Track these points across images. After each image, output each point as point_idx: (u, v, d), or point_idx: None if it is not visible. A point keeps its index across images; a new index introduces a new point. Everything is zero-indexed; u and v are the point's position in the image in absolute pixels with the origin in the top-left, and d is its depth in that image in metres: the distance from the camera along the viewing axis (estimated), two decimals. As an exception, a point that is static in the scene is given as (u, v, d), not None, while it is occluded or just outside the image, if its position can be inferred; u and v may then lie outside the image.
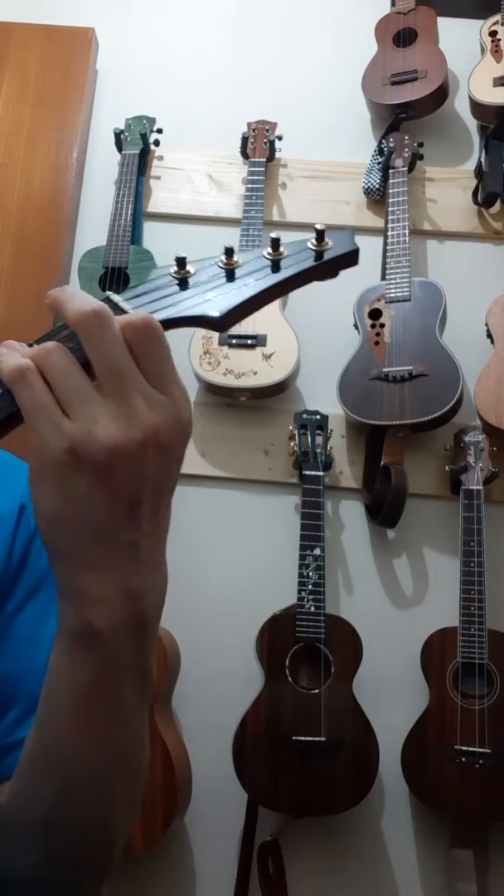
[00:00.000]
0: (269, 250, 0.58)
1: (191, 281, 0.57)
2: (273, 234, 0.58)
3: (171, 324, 0.55)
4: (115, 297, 0.55)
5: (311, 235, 0.58)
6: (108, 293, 0.55)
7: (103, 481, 0.48)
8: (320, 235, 0.58)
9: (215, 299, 0.56)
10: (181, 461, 0.53)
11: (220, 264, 0.58)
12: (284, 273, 0.57)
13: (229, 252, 0.58)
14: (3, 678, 0.69)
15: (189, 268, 0.57)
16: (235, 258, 0.58)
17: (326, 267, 0.58)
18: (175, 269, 0.57)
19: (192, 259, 0.58)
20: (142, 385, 0.50)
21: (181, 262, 0.57)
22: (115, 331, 0.49)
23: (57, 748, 0.53)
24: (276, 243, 0.58)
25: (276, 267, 0.58)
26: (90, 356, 0.49)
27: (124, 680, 0.53)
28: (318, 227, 0.58)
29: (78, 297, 0.50)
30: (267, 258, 0.58)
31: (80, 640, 0.51)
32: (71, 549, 0.50)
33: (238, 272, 0.57)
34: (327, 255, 0.58)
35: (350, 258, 0.59)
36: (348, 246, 0.58)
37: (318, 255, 0.58)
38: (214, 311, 0.55)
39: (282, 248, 0.58)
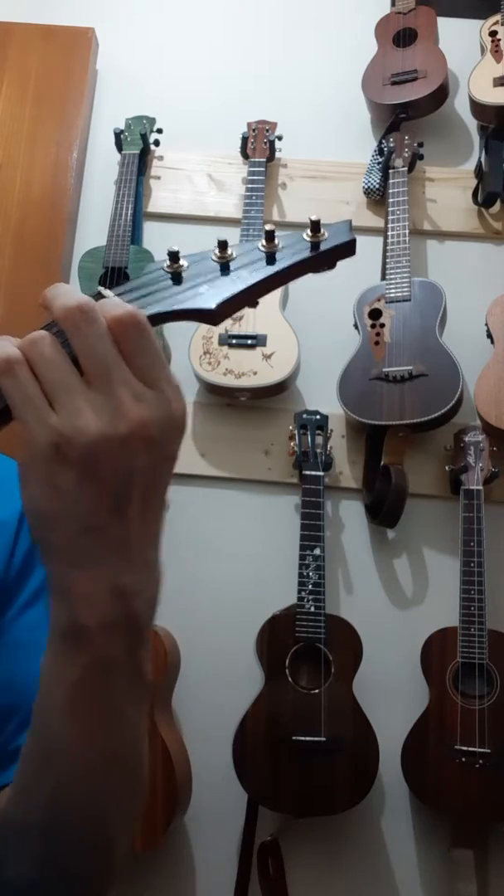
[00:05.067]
0: (264, 242, 0.57)
1: (184, 275, 0.56)
2: (268, 227, 0.58)
3: (163, 318, 0.54)
4: (107, 292, 0.54)
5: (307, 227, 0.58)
6: (99, 288, 0.55)
7: (88, 475, 0.47)
8: (315, 226, 0.57)
9: (208, 292, 0.55)
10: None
11: (214, 258, 0.57)
12: (279, 265, 0.56)
13: (223, 245, 0.57)
14: (4, 684, 0.68)
15: (182, 262, 0.57)
16: (229, 251, 0.57)
17: (322, 258, 0.57)
18: (168, 263, 0.57)
19: (185, 253, 0.57)
20: (129, 379, 0.49)
21: (174, 257, 0.57)
22: (101, 324, 0.49)
23: (49, 748, 0.52)
24: (270, 235, 0.57)
25: (270, 259, 0.57)
26: (76, 350, 0.48)
27: (115, 679, 0.51)
28: (313, 217, 0.57)
29: (64, 293, 0.49)
30: (261, 250, 0.57)
31: (68, 637, 0.50)
32: (59, 545, 0.49)
33: (232, 265, 0.57)
34: (323, 246, 0.57)
35: (346, 249, 0.58)
36: (344, 237, 0.57)
37: (314, 245, 0.57)
38: (207, 304, 0.54)
39: (276, 240, 0.57)
